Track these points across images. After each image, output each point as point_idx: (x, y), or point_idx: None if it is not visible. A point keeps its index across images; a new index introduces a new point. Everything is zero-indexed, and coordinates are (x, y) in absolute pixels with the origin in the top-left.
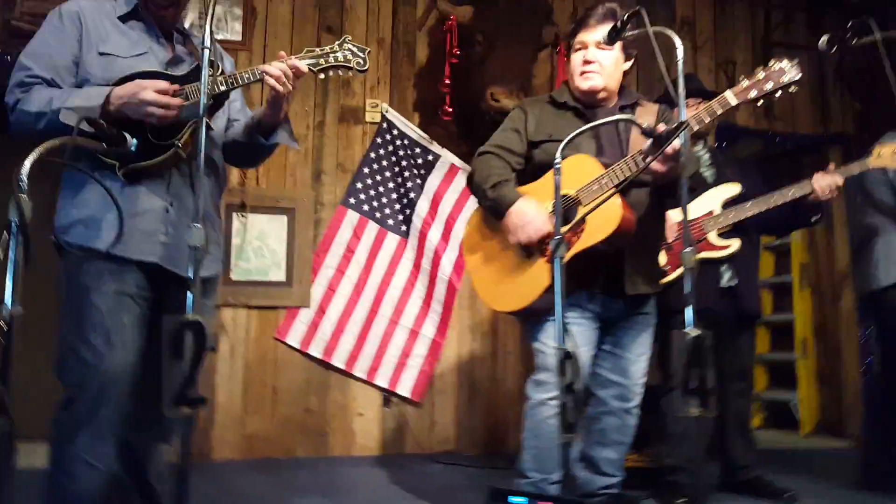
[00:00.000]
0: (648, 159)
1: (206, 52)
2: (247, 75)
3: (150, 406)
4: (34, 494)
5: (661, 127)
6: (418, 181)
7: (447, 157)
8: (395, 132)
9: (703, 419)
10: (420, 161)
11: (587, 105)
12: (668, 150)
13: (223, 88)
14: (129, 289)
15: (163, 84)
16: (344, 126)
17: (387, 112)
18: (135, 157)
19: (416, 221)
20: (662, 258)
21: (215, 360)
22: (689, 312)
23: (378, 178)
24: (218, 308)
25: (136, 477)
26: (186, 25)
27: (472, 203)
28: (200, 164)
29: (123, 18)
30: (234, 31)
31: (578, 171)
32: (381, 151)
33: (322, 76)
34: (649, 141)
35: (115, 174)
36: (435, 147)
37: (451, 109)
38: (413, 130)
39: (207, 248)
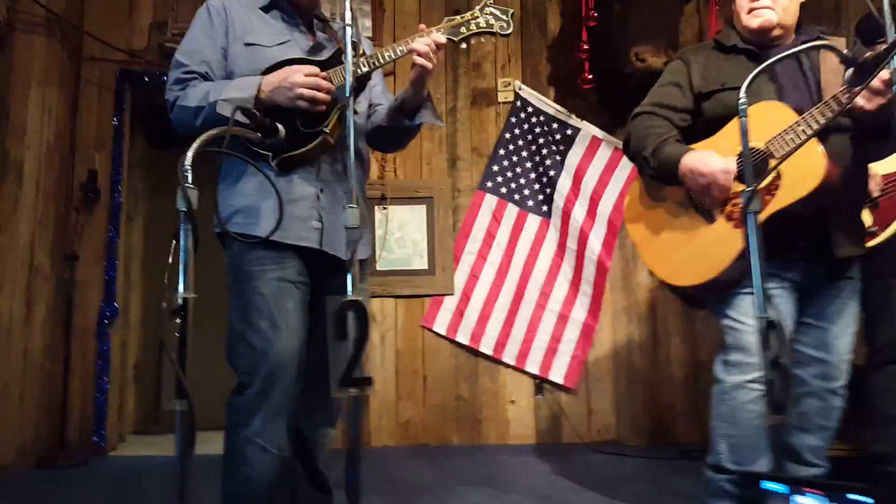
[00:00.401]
0: (851, 94)
1: (349, 30)
2: (388, 54)
3: (315, 391)
4: (210, 482)
5: (867, 53)
6: (557, 158)
7: (588, 130)
8: (530, 109)
9: None
10: (558, 136)
11: (761, 46)
12: (877, 81)
13: (366, 69)
14: (290, 275)
15: (312, 68)
16: (476, 109)
17: (520, 90)
18: (286, 146)
19: (559, 200)
20: (867, 218)
21: (368, 349)
22: None
23: (515, 158)
24: None
25: (305, 462)
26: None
27: (618, 177)
28: (350, 144)
29: (265, 9)
30: (364, 28)
31: (765, 119)
32: (517, 131)
33: (464, 45)
34: (849, 72)
35: (268, 164)
36: (574, 120)
37: (590, 77)
38: (549, 105)
39: (362, 228)
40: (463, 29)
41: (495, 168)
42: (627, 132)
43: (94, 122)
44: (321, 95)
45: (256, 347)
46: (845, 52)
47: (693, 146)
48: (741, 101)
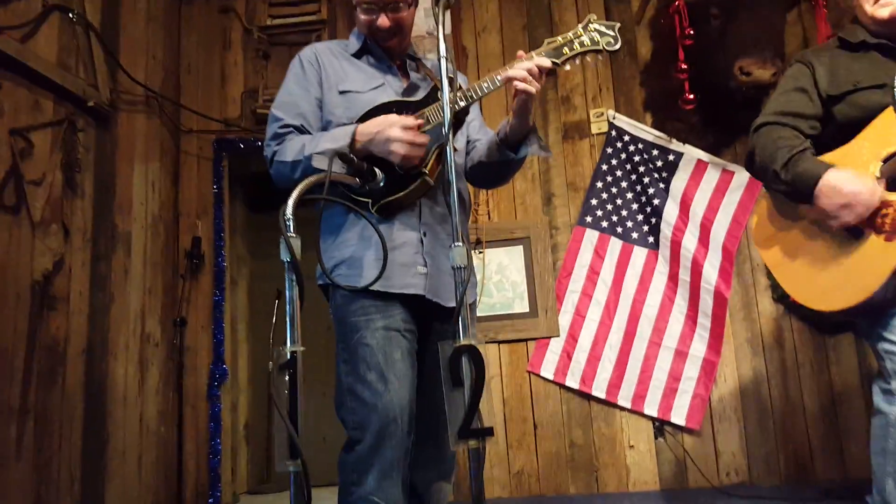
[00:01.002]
0: None
1: (445, 66)
2: (485, 85)
3: (428, 443)
4: None
5: None
6: (661, 185)
7: (691, 153)
8: (627, 137)
9: None
10: (660, 163)
11: (894, 39)
12: None
13: (462, 104)
14: (396, 324)
15: (409, 120)
16: (569, 143)
17: (614, 119)
18: (385, 191)
19: (666, 230)
20: None
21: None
22: None
23: (614, 189)
24: None
25: None
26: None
27: (729, 200)
28: (452, 181)
29: (357, 55)
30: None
31: None
32: (614, 161)
33: (567, 67)
34: None
35: (369, 211)
36: (675, 145)
37: (692, 97)
38: (647, 132)
39: (472, 269)
40: (566, 49)
41: (594, 202)
42: (752, 145)
43: (194, 191)
44: (415, 152)
45: (366, 401)
46: None
47: (826, 157)
48: None
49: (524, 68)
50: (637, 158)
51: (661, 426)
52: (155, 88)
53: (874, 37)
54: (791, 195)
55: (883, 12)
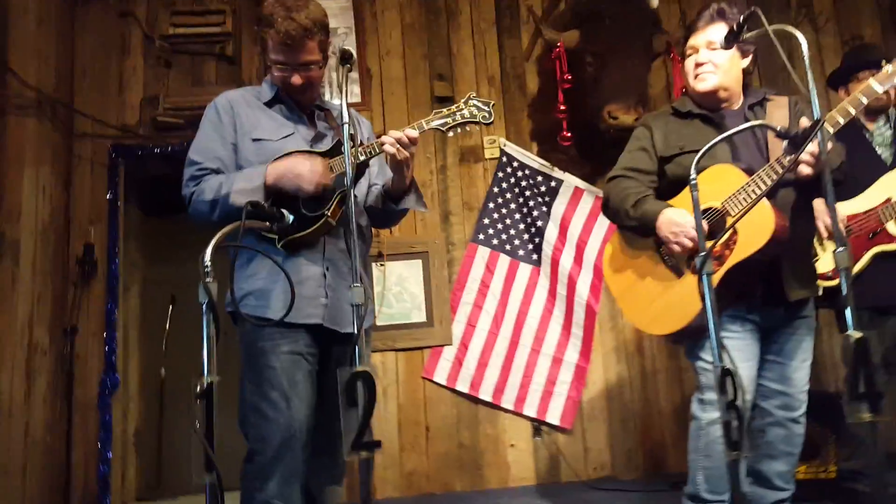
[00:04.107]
0: (788, 162)
1: (346, 126)
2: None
3: (323, 452)
4: None
5: (804, 122)
6: (544, 209)
7: (570, 181)
8: (515, 164)
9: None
10: (543, 188)
11: (712, 109)
12: (806, 154)
13: (363, 158)
14: (300, 348)
15: (316, 160)
16: (465, 166)
17: (504, 146)
18: (291, 229)
19: (547, 249)
20: (830, 261)
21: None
22: (848, 314)
23: (504, 210)
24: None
25: None
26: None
27: (601, 224)
28: (353, 230)
29: (269, 104)
30: (353, 94)
31: (720, 181)
32: (504, 185)
33: (451, 133)
34: (784, 143)
35: (276, 247)
36: (557, 173)
37: (568, 135)
38: (533, 160)
39: (367, 304)
40: (450, 120)
41: (486, 221)
42: (606, 194)
43: (87, 196)
44: (316, 189)
45: (269, 417)
46: (778, 127)
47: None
48: (692, 178)
49: (395, 137)
50: (524, 183)
51: (538, 426)
52: (47, 92)
53: (698, 107)
54: (639, 230)
55: (699, 86)
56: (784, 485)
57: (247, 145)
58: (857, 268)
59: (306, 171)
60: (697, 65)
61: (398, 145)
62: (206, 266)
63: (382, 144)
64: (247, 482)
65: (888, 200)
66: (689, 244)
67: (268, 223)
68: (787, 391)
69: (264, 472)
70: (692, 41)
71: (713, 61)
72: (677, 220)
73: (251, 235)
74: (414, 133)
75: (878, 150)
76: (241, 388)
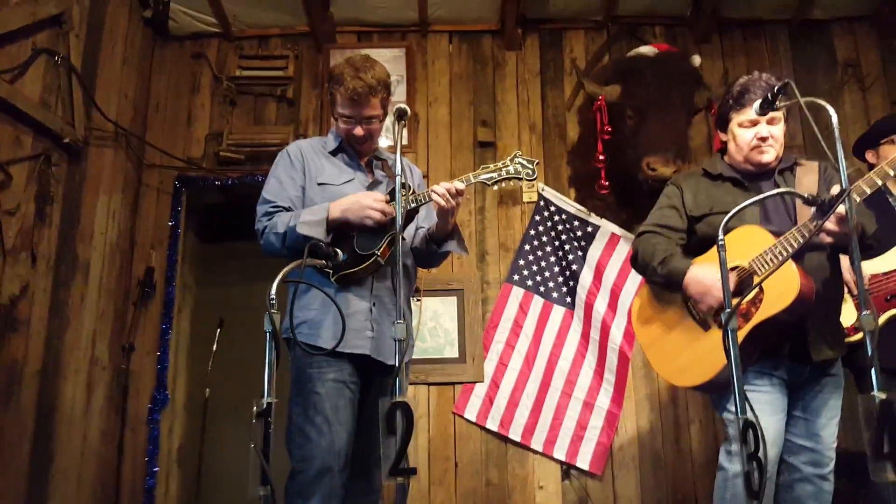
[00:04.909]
0: (815, 227)
1: (398, 178)
2: (426, 194)
3: (360, 476)
4: None
5: (835, 189)
6: (580, 253)
7: (607, 227)
8: (553, 208)
9: None
10: (580, 233)
11: (746, 175)
12: (835, 217)
13: (413, 206)
14: (344, 377)
15: (378, 195)
16: (503, 208)
17: (543, 191)
18: (344, 266)
19: (581, 293)
20: (851, 314)
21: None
22: (873, 375)
23: (539, 253)
24: None
25: None
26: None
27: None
28: (399, 271)
29: (333, 153)
30: (401, 138)
31: (748, 241)
32: (541, 228)
33: (495, 187)
34: (813, 209)
35: (329, 281)
36: (594, 218)
37: (606, 183)
38: (570, 205)
39: (408, 340)
40: (496, 174)
41: (521, 262)
42: (634, 248)
43: (152, 222)
44: (386, 217)
45: (313, 439)
46: (806, 195)
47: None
48: (720, 238)
49: (445, 188)
50: (560, 227)
51: (567, 469)
52: (124, 125)
53: (731, 171)
54: (666, 286)
55: (764, 158)
56: None
57: (313, 188)
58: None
59: (371, 203)
60: (761, 139)
61: (447, 196)
62: (272, 298)
63: (432, 193)
64: (289, 499)
65: None
66: (716, 301)
67: (324, 262)
68: (815, 447)
69: (305, 490)
70: (749, 114)
71: (773, 135)
72: (703, 279)
73: (311, 270)
74: (461, 186)
75: None
76: (289, 411)
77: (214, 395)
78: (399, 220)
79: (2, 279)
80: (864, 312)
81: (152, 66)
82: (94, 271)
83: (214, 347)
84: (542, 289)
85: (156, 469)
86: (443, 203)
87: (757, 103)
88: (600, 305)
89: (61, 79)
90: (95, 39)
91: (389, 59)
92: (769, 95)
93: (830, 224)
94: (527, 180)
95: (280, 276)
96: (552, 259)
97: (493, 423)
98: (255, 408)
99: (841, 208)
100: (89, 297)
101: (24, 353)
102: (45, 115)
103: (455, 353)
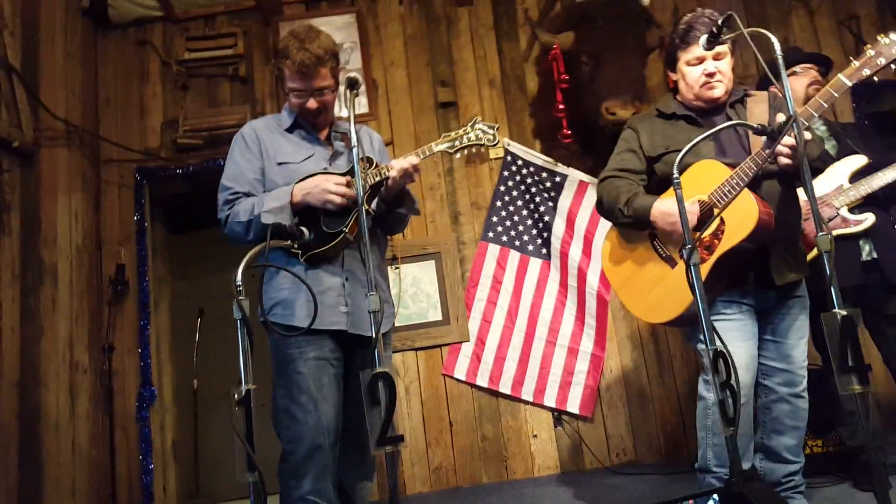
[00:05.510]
0: (766, 155)
1: (356, 151)
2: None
3: (353, 450)
4: None
5: (780, 117)
6: (550, 203)
7: (574, 175)
8: (520, 162)
9: (865, 395)
10: (549, 184)
11: (698, 111)
12: (785, 144)
13: (377, 179)
14: (325, 353)
15: (338, 178)
16: (472, 167)
17: (508, 146)
18: (313, 245)
19: (555, 242)
20: None
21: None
22: (834, 293)
23: (511, 208)
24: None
25: None
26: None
27: None
28: (367, 244)
29: (290, 129)
30: (360, 105)
31: (706, 175)
32: (510, 183)
33: (458, 155)
34: (763, 137)
35: (298, 260)
36: (560, 168)
37: (568, 132)
38: (536, 157)
39: (383, 310)
40: (457, 143)
41: (494, 219)
42: (599, 194)
43: (116, 218)
44: (348, 198)
45: (299, 419)
46: (756, 125)
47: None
48: (675, 176)
49: (402, 167)
50: (529, 180)
51: (559, 416)
52: (75, 122)
53: (684, 109)
54: (634, 225)
55: (712, 94)
56: (793, 458)
57: (272, 168)
58: (811, 254)
59: (332, 187)
60: (708, 74)
61: (404, 174)
62: (239, 285)
63: (390, 171)
64: (283, 480)
65: (839, 187)
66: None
67: (289, 242)
68: (788, 368)
69: (298, 470)
70: (696, 51)
71: (721, 70)
72: (670, 210)
73: (279, 251)
74: (416, 160)
75: (826, 146)
76: (273, 393)
77: (203, 385)
78: (361, 195)
79: None
80: (820, 234)
81: (97, 58)
82: (62, 275)
83: (197, 338)
84: (517, 243)
85: (151, 466)
86: (400, 182)
87: (703, 39)
88: (575, 253)
89: (1, 80)
90: (32, 35)
91: (341, 26)
92: (714, 30)
93: (781, 150)
94: (489, 145)
95: (244, 262)
96: (524, 212)
97: (482, 380)
98: (234, 395)
99: (788, 139)
100: (61, 301)
101: None
102: None
103: (438, 316)
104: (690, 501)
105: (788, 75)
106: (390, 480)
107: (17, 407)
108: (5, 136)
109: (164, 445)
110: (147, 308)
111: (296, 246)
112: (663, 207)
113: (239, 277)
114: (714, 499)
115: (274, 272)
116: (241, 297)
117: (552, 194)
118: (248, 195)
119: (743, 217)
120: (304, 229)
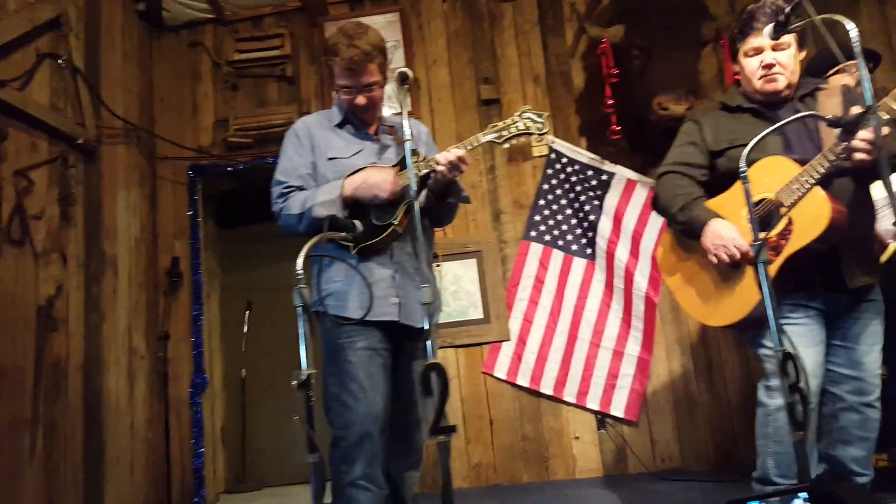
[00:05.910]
0: (840, 150)
1: (408, 144)
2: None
3: (401, 439)
4: None
5: (855, 109)
6: (596, 202)
7: (622, 173)
8: (565, 160)
9: None
10: (595, 182)
11: (765, 104)
12: (861, 138)
13: (425, 171)
14: (375, 344)
15: (388, 173)
16: (514, 165)
17: (553, 143)
18: (363, 237)
19: (601, 242)
20: None
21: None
22: None
23: (555, 207)
24: None
25: (395, 501)
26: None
27: (656, 214)
28: (419, 237)
29: (339, 125)
30: (405, 104)
31: (773, 172)
32: (554, 181)
33: (506, 145)
34: (838, 130)
35: (350, 253)
36: (608, 166)
37: (618, 128)
38: (582, 154)
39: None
40: (504, 133)
41: (537, 217)
42: (656, 190)
43: (171, 213)
44: (391, 196)
45: (350, 406)
46: (829, 116)
47: (714, 200)
48: (742, 170)
49: (449, 160)
50: (574, 178)
51: (602, 419)
52: (132, 121)
53: (750, 102)
54: (685, 233)
55: (768, 87)
56: (861, 470)
57: (323, 164)
58: (884, 256)
59: (380, 180)
60: (766, 66)
61: (452, 166)
62: (300, 273)
63: (437, 166)
64: (335, 466)
65: None
66: (727, 259)
67: (343, 233)
68: (858, 375)
69: (349, 456)
70: (755, 41)
71: (780, 62)
72: (721, 233)
73: (330, 244)
74: (461, 153)
75: None
76: (324, 381)
77: (250, 374)
78: (413, 187)
79: (37, 281)
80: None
81: (152, 59)
82: (122, 266)
83: (245, 329)
84: (560, 242)
85: (202, 450)
86: (448, 175)
87: (768, 28)
88: (622, 253)
89: (67, 81)
90: (94, 38)
91: (384, 25)
92: (781, 18)
93: (857, 145)
94: (537, 135)
95: (304, 252)
96: (569, 211)
97: (523, 380)
98: (294, 381)
99: (865, 133)
100: (121, 290)
101: (66, 350)
102: (57, 118)
103: (479, 315)
104: (776, 499)
105: (833, 73)
106: (443, 469)
107: (82, 389)
108: (71, 133)
109: (214, 431)
110: (200, 299)
111: (349, 238)
112: (716, 228)
113: (300, 266)
114: (802, 496)
115: (328, 263)
116: (301, 286)
117: (598, 192)
118: (300, 189)
119: (814, 216)
120: (355, 222)
